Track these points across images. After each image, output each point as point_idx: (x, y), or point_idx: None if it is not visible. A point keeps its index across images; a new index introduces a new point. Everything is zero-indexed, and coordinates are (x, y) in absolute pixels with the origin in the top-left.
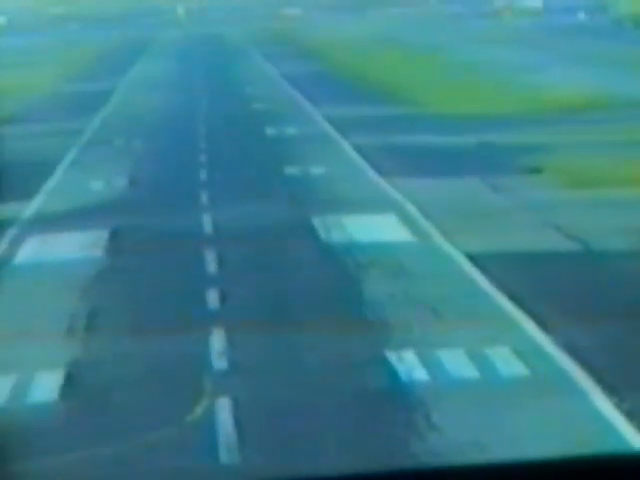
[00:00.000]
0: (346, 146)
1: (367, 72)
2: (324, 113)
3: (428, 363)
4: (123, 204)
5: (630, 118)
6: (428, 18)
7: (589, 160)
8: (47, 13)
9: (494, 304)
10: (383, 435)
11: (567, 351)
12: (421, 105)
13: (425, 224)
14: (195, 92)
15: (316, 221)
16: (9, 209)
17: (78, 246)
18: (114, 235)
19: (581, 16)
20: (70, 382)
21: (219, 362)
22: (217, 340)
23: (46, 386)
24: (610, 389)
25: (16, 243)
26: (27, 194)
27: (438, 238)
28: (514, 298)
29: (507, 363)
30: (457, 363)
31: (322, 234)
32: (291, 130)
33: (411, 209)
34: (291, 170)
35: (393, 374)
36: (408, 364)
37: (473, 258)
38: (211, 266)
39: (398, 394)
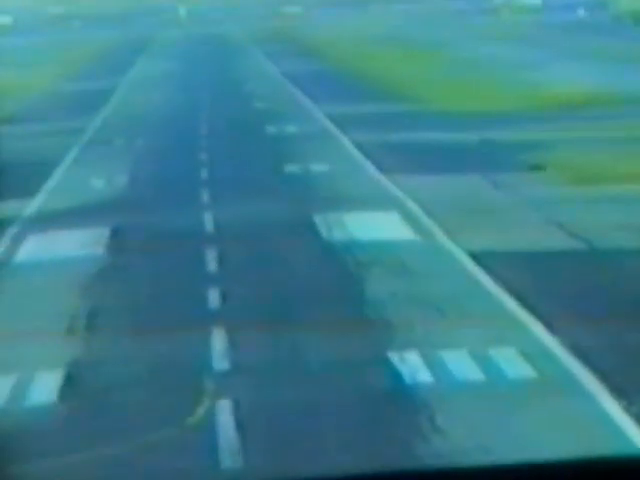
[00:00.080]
0: (347, 143)
1: (367, 69)
2: (325, 111)
3: (431, 364)
4: (124, 203)
5: (631, 114)
6: (429, 15)
7: (590, 157)
8: (47, 13)
9: (497, 303)
10: (387, 437)
11: (573, 352)
12: (422, 102)
13: (427, 222)
14: (196, 91)
15: (317, 219)
16: (10, 208)
17: (79, 245)
18: (115, 234)
19: (581, 13)
20: (70, 382)
21: (220, 362)
22: (218, 340)
23: (46, 386)
24: (618, 391)
25: (16, 242)
26: (28, 193)
27: (440, 236)
28: (517, 297)
29: (512, 364)
30: (461, 364)
31: (323, 232)
32: (292, 128)
33: (413, 206)
34: (292, 168)
35: (396, 375)
36: (411, 365)
37: (476, 256)
38: (212, 265)
39: (401, 395)
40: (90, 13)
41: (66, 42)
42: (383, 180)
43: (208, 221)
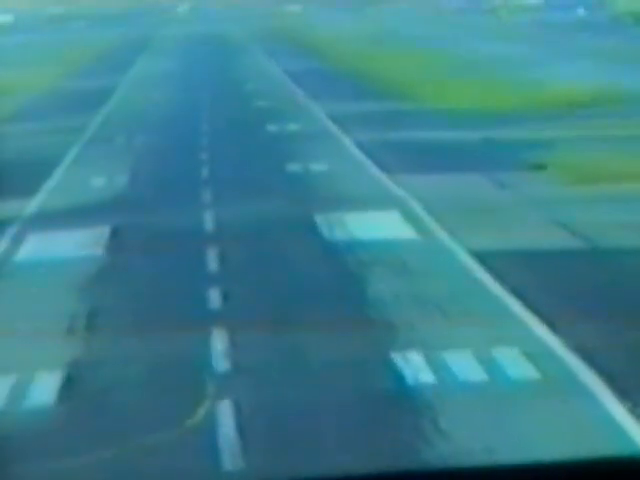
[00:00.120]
0: (348, 142)
1: (368, 69)
2: (326, 110)
3: (434, 365)
4: (124, 202)
5: (632, 113)
6: (428, 14)
7: (592, 156)
8: (47, 12)
9: (500, 303)
10: (389, 439)
11: (576, 352)
12: (422, 101)
13: (429, 221)
14: (196, 89)
15: (319, 218)
16: (9, 207)
17: (78, 244)
18: (115, 233)
19: (581, 12)
20: (70, 383)
21: (221, 363)
22: (219, 340)
23: (45, 387)
24: (622, 392)
25: (16, 241)
26: (28, 192)
27: (442, 235)
28: (520, 296)
29: (515, 365)
30: (464, 365)
31: (325, 232)
32: (293, 127)
33: (414, 206)
34: (293, 167)
35: (399, 376)
36: (414, 366)
37: (478, 256)
38: (213, 264)
39: (404, 397)
40: (91, 13)
41: (67, 41)
42: (384, 179)
43: (209, 220)
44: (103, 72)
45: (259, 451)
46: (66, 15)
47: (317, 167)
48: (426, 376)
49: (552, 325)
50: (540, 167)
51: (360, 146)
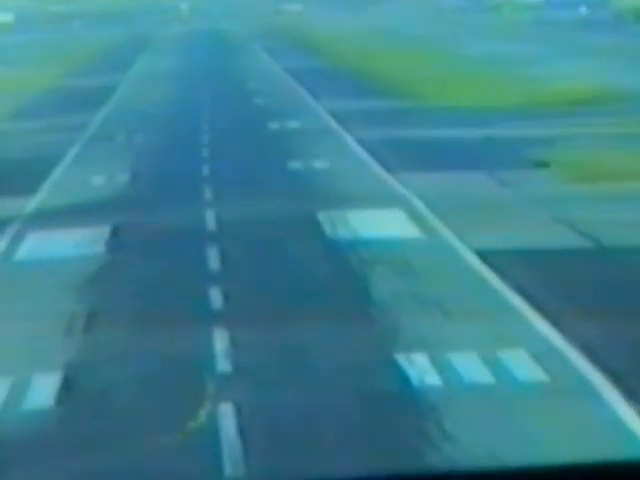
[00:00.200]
0: (350, 140)
1: (369, 67)
2: (327, 107)
3: (439, 366)
4: (124, 200)
5: (634, 111)
6: (429, 13)
7: (594, 154)
8: (48, 11)
9: (505, 303)
10: (393, 442)
11: (583, 352)
12: (423, 99)
13: (432, 219)
14: (198, 88)
15: (321, 216)
16: (9, 206)
17: (78, 243)
18: (115, 232)
19: (583, 10)
20: (68, 385)
21: (222, 364)
22: (220, 341)
23: (43, 389)
24: (629, 393)
25: (15, 240)
26: (28, 190)
27: (445, 234)
28: (526, 296)
29: (522, 366)
30: (470, 366)
31: (327, 230)
32: (294, 125)
33: (417, 204)
34: (295, 165)
35: (403, 377)
36: (419, 367)
37: (482, 255)
38: (214, 263)
39: (409, 399)
40: (92, 11)
41: (68, 40)
42: (387, 177)
43: (210, 219)
44: (104, 71)
45: (261, 454)
46: (67, 14)
47: (319, 165)
48: (431, 378)
49: (558, 324)
50: (543, 165)
51: (361, 144)
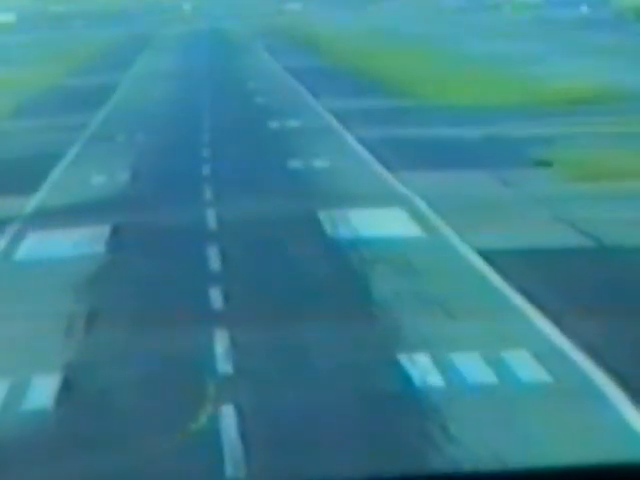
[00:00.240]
0: (350, 139)
1: (369, 66)
2: (327, 106)
3: (442, 367)
4: (125, 200)
5: (634, 110)
6: (429, 12)
7: (596, 152)
8: (50, 10)
9: (508, 303)
10: (396, 444)
11: (587, 353)
12: (424, 98)
13: (434, 219)
14: (198, 87)
15: (322, 215)
16: (9, 205)
17: (78, 242)
18: (115, 232)
19: (584, 9)
20: (68, 387)
21: (223, 365)
22: (220, 341)
23: (43, 390)
24: (634, 393)
25: (15, 240)
26: (28, 189)
27: (446, 233)
28: (527, 296)
29: (525, 367)
30: (473, 367)
31: (328, 229)
32: (294, 123)
33: (419, 203)
34: (295, 164)
35: (405, 378)
36: (421, 368)
37: (484, 254)
38: (214, 263)
39: (412, 400)
40: (93, 10)
41: (69, 40)
42: (388, 176)
43: (211, 218)
44: (105, 70)
45: (262, 455)
46: (69, 13)
47: (319, 163)
48: (434, 379)
49: (560, 324)
50: (545, 164)
51: (362, 143)
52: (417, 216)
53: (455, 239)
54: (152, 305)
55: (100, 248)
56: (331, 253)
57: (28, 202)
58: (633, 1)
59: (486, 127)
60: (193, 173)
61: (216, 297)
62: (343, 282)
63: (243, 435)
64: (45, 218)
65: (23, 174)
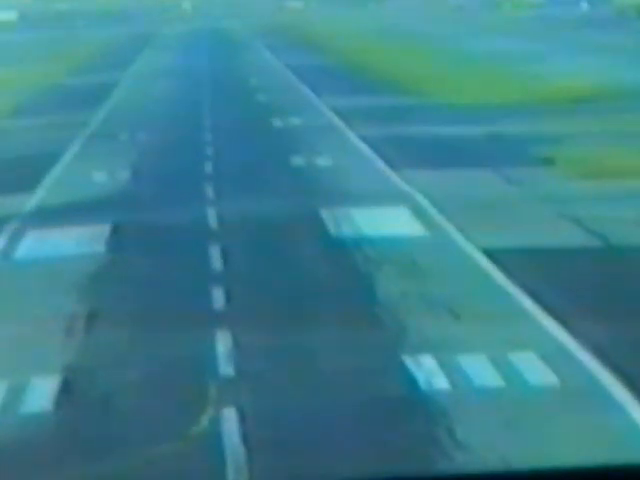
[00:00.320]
0: (353, 137)
1: (371, 64)
2: (328, 104)
3: (448, 369)
4: (125, 198)
5: (636, 108)
6: (429, 10)
7: (600, 150)
8: (51, 10)
9: (513, 303)
10: (403, 449)
11: (595, 355)
12: (426, 96)
13: (438, 217)
14: (200, 85)
15: (325, 214)
16: (9, 203)
17: (78, 242)
18: (116, 231)
19: (584, 7)
20: (67, 389)
21: (225, 367)
22: (222, 343)
23: (42, 393)
24: None
25: (14, 239)
26: (28, 187)
27: (451, 232)
28: (533, 295)
29: (532, 369)
30: (479, 369)
31: (331, 228)
32: (296, 121)
33: (423, 202)
34: (298, 162)
35: (412, 382)
36: (427, 370)
37: (489, 253)
38: (216, 262)
39: (417, 403)
40: (94, 9)
41: (71, 38)
42: (391, 174)
43: (212, 217)
44: (106, 68)
45: (265, 460)
46: (71, 12)
47: (322, 161)
48: (440, 382)
49: (566, 324)
50: (549, 162)
51: (364, 141)
52: (421, 215)
53: (460, 238)
54: (153, 305)
55: (100, 247)
56: (334, 252)
57: (28, 201)
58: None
59: (488, 125)
60: (194, 171)
61: (218, 297)
62: (347, 282)
63: (245, 438)
64: (45, 217)
65: (23, 173)
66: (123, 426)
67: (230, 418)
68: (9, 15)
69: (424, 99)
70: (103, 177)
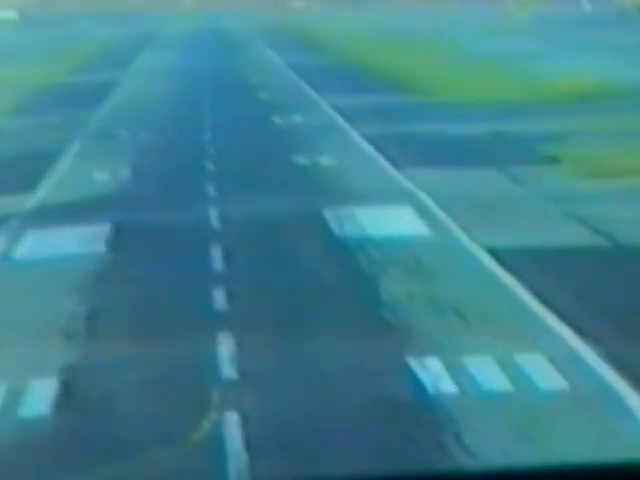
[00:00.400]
0: (355, 135)
1: (373, 62)
2: (331, 102)
3: (455, 373)
4: (126, 197)
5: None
6: (430, 9)
7: (604, 149)
8: (52, 9)
9: (521, 305)
10: (409, 455)
11: (605, 358)
12: (430, 94)
13: (443, 217)
14: (201, 83)
15: (328, 214)
16: (9, 203)
17: (79, 241)
18: (117, 230)
19: (585, 6)
20: (66, 392)
21: (227, 370)
22: (224, 345)
23: (40, 396)
24: None
25: (14, 239)
26: (28, 186)
27: (456, 232)
28: (540, 296)
29: (540, 372)
30: (487, 373)
31: (334, 228)
32: (299, 120)
33: (427, 201)
34: (301, 161)
35: (417, 385)
36: (433, 374)
37: (496, 254)
38: (218, 262)
39: (424, 408)
40: (94, 8)
41: (73, 36)
42: (395, 173)
43: (214, 216)
44: (107, 67)
45: (268, 466)
46: (71, 10)
47: (324, 160)
48: (447, 385)
49: (574, 325)
50: (553, 161)
51: (367, 139)
52: (425, 214)
53: (464, 237)
54: (154, 306)
55: (101, 247)
56: (338, 252)
57: (28, 200)
58: None
59: (492, 124)
60: (196, 170)
61: (219, 298)
62: (351, 282)
63: (248, 443)
64: (45, 216)
65: (23, 172)
66: (123, 429)
67: (232, 422)
68: (9, 14)
69: (427, 97)
70: (104, 176)
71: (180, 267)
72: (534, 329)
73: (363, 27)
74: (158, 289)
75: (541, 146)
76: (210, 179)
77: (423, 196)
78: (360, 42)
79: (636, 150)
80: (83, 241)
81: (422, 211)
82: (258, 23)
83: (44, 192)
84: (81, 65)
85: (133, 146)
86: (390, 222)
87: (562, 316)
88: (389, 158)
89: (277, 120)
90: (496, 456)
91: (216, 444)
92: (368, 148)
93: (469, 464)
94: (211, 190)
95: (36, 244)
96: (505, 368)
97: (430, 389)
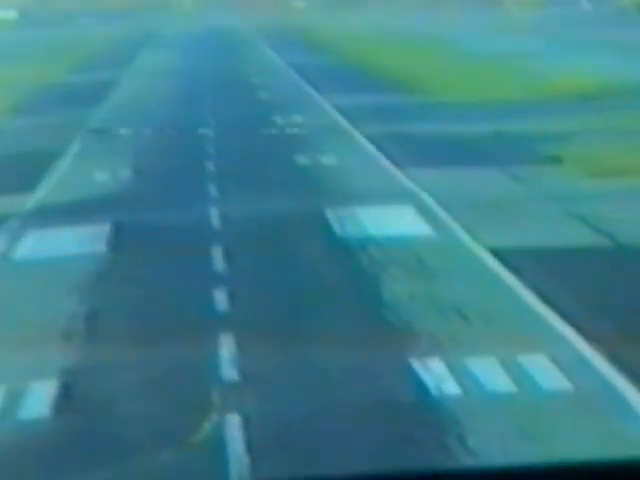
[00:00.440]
0: (357, 135)
1: (374, 62)
2: (331, 102)
3: (458, 374)
4: (126, 197)
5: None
6: (430, 9)
7: (606, 148)
8: (52, 8)
9: (523, 305)
10: (412, 457)
11: (608, 359)
12: (431, 94)
13: (445, 217)
14: (202, 83)
15: (330, 214)
16: (9, 203)
17: (79, 241)
18: (117, 230)
19: (585, 6)
20: (66, 394)
21: (228, 372)
22: (225, 347)
23: (40, 398)
24: None
25: (13, 239)
26: (28, 186)
27: (458, 231)
28: (543, 296)
29: (545, 374)
30: (490, 374)
31: (336, 228)
32: (299, 120)
33: (428, 200)
34: (302, 160)
35: (420, 386)
36: (436, 375)
37: (497, 253)
38: (219, 263)
39: (427, 409)
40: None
41: (71, 37)
42: (396, 173)
43: (215, 216)
44: (107, 66)
45: (269, 468)
46: (71, 9)
47: (326, 160)
48: (450, 387)
49: (576, 325)
50: (555, 160)
51: (369, 138)
52: (427, 214)
53: (466, 237)
54: (154, 306)
55: (102, 247)
56: (340, 252)
57: (28, 200)
58: None
59: (493, 124)
60: (196, 170)
61: (220, 299)
62: (353, 282)
63: (249, 445)
64: (45, 216)
65: (23, 171)
66: (124, 431)
67: (233, 424)
68: (9, 14)
69: (427, 97)
70: (104, 176)
71: (181, 267)
72: (537, 330)
73: (363, 27)
74: (158, 289)
75: (542, 146)
76: (210, 179)
77: (424, 196)
78: (360, 42)
79: (637, 149)
80: (83, 241)
81: (424, 211)
82: (258, 23)
83: (44, 192)
84: (81, 64)
85: (133, 146)
86: (392, 222)
87: (565, 316)
88: (390, 158)
89: (278, 120)
90: (499, 457)
91: (217, 445)
92: (369, 148)
93: (470, 461)
94: (212, 190)
95: (36, 244)
96: (508, 369)
97: (433, 390)
